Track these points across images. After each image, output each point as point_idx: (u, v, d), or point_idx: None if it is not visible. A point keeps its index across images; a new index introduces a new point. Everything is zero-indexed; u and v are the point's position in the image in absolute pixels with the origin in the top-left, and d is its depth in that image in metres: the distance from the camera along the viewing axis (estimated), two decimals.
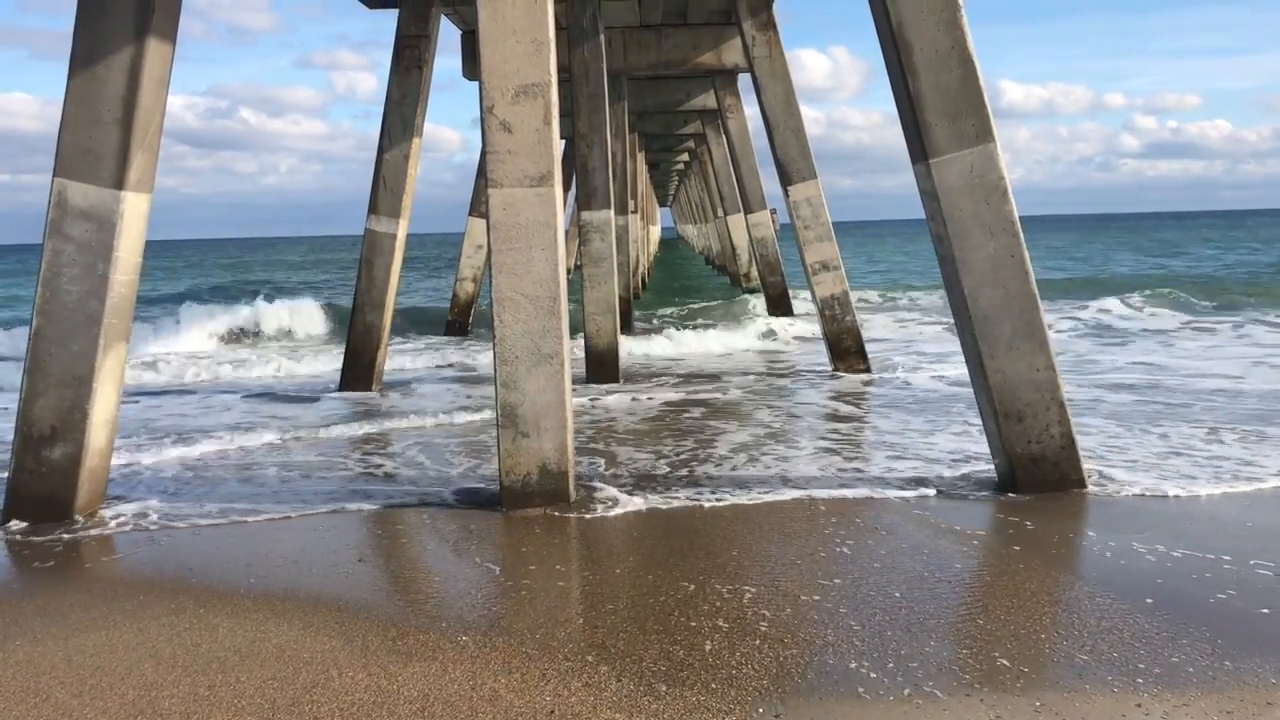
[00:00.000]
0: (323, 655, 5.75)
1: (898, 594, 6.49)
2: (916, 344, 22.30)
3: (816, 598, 6.49)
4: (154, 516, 9.05)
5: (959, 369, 15.88)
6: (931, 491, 9.19)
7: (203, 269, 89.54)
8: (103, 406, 9.25)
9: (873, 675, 5.26)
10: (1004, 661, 5.38)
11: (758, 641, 5.76)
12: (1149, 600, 6.21)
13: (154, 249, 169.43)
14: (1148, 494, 8.90)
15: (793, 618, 6.13)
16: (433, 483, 10.10)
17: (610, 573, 7.14)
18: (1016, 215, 9.03)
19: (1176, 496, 8.84)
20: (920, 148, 9.12)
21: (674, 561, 7.31)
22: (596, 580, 7.00)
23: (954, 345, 18.30)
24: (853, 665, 5.40)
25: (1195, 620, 5.90)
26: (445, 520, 8.73)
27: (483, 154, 8.88)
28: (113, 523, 8.87)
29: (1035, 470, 9.07)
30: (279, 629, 6.21)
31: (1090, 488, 8.99)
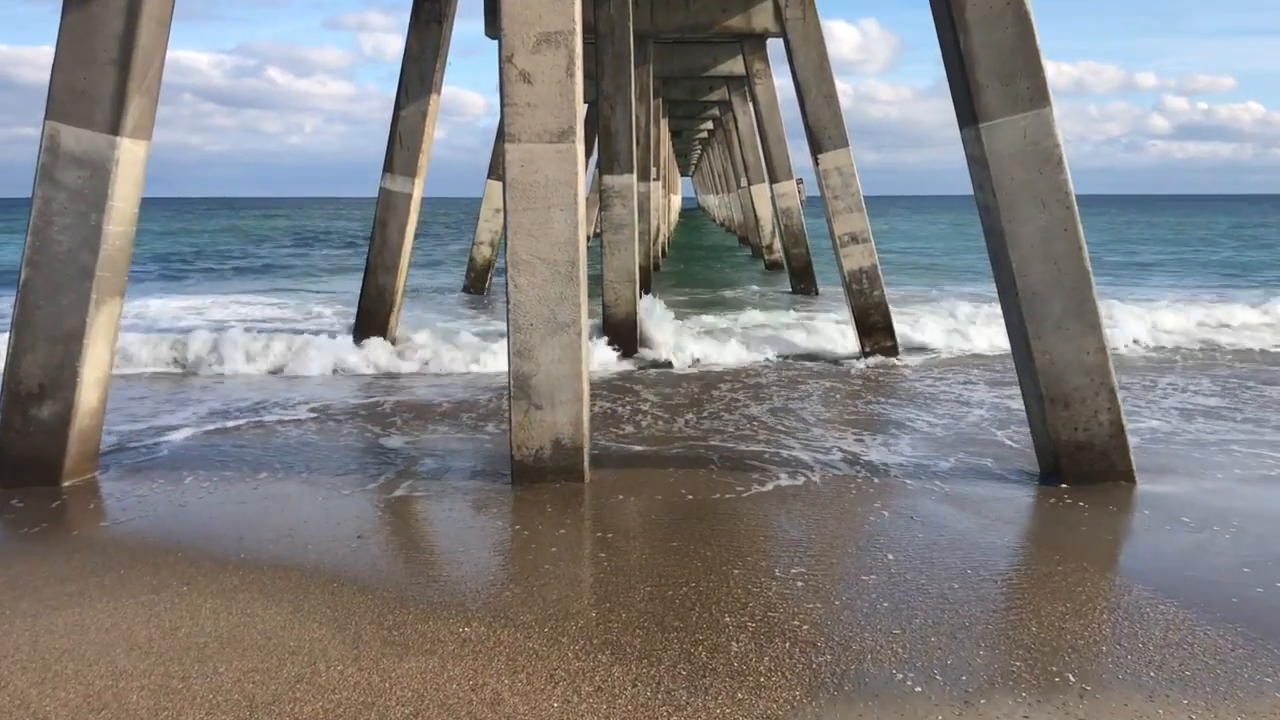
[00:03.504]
0: (311, 645, 5.25)
1: (939, 592, 5.95)
2: (946, 324, 21.58)
3: (850, 594, 5.95)
4: (146, 483, 8.58)
5: (992, 351, 15.28)
6: (969, 479, 8.63)
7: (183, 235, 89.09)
8: (95, 364, 8.75)
9: (918, 689, 4.72)
10: (1065, 677, 4.83)
11: (787, 644, 5.23)
12: (1218, 612, 5.64)
13: (166, 206, 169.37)
14: (1205, 490, 8.29)
15: (825, 617, 5.59)
16: (442, 454, 9.59)
17: (626, 559, 6.62)
18: (1071, 186, 8.41)
19: (1236, 492, 8.25)
20: (970, 110, 8.50)
21: (694, 549, 6.78)
22: (611, 567, 6.48)
23: (983, 327, 17.70)
24: (896, 675, 4.86)
25: (1275, 635, 5.33)
26: (452, 494, 8.22)
27: (502, 116, 8.32)
28: (102, 489, 8.41)
29: (1081, 459, 8.49)
30: (266, 612, 5.71)
31: (1140, 481, 8.39)
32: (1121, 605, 5.76)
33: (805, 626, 5.45)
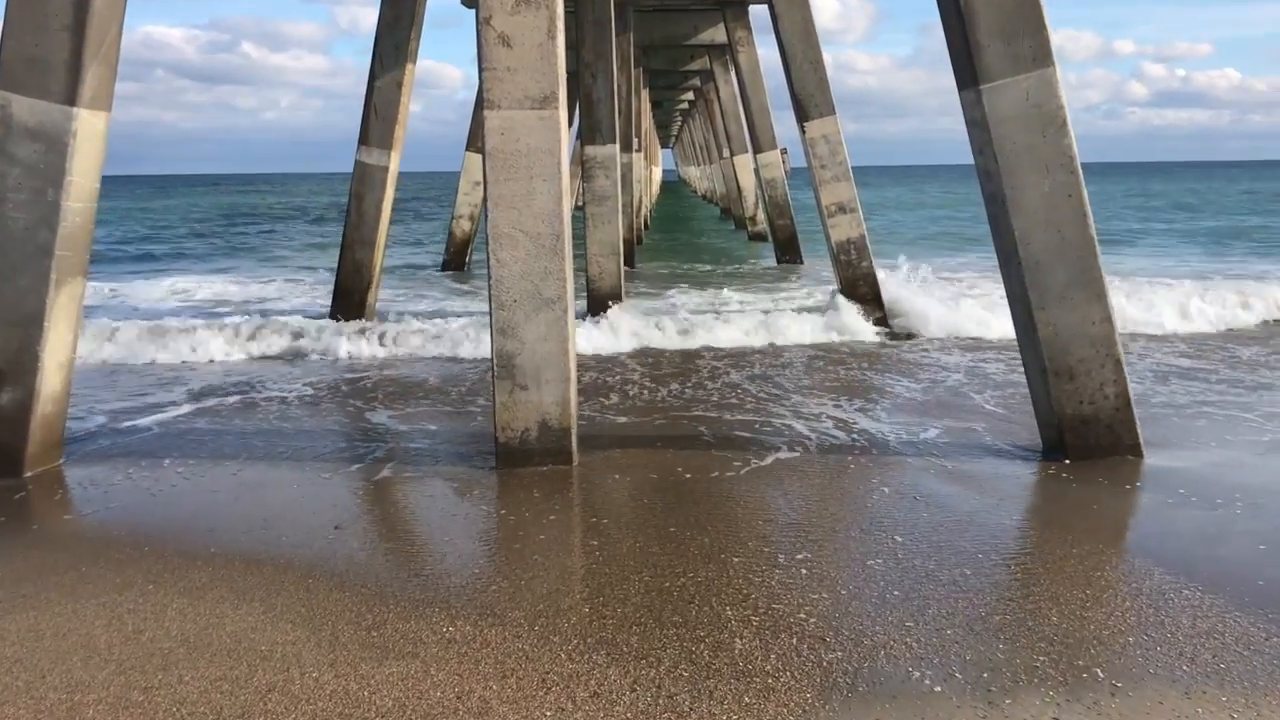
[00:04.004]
0: (284, 649, 4.89)
1: (951, 579, 5.63)
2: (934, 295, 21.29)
3: (858, 582, 5.62)
4: (114, 472, 8.18)
5: (985, 324, 14.96)
6: (972, 454, 8.32)
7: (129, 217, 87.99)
8: (56, 347, 8.33)
9: (938, 689, 4.40)
10: (1093, 672, 4.52)
11: (794, 640, 4.89)
12: (1246, 596, 5.34)
13: (141, 184, 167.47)
14: (1216, 464, 8.00)
15: (833, 608, 5.26)
16: (424, 436, 9.22)
17: (619, 547, 6.27)
18: (1075, 150, 8.07)
19: (1246, 464, 7.97)
20: (970, 72, 8.13)
21: (691, 535, 6.44)
22: (604, 556, 6.12)
23: (978, 298, 17.39)
24: (913, 673, 4.54)
25: None
26: (434, 479, 7.85)
27: (480, 82, 7.90)
28: (67, 479, 8.01)
29: (1086, 434, 8.19)
30: (236, 613, 5.34)
31: (1147, 455, 8.09)
32: (1144, 591, 5.45)
33: (812, 620, 5.12)
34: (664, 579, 5.70)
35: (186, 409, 10.45)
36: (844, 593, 5.48)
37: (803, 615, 5.17)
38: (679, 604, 5.34)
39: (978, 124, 8.22)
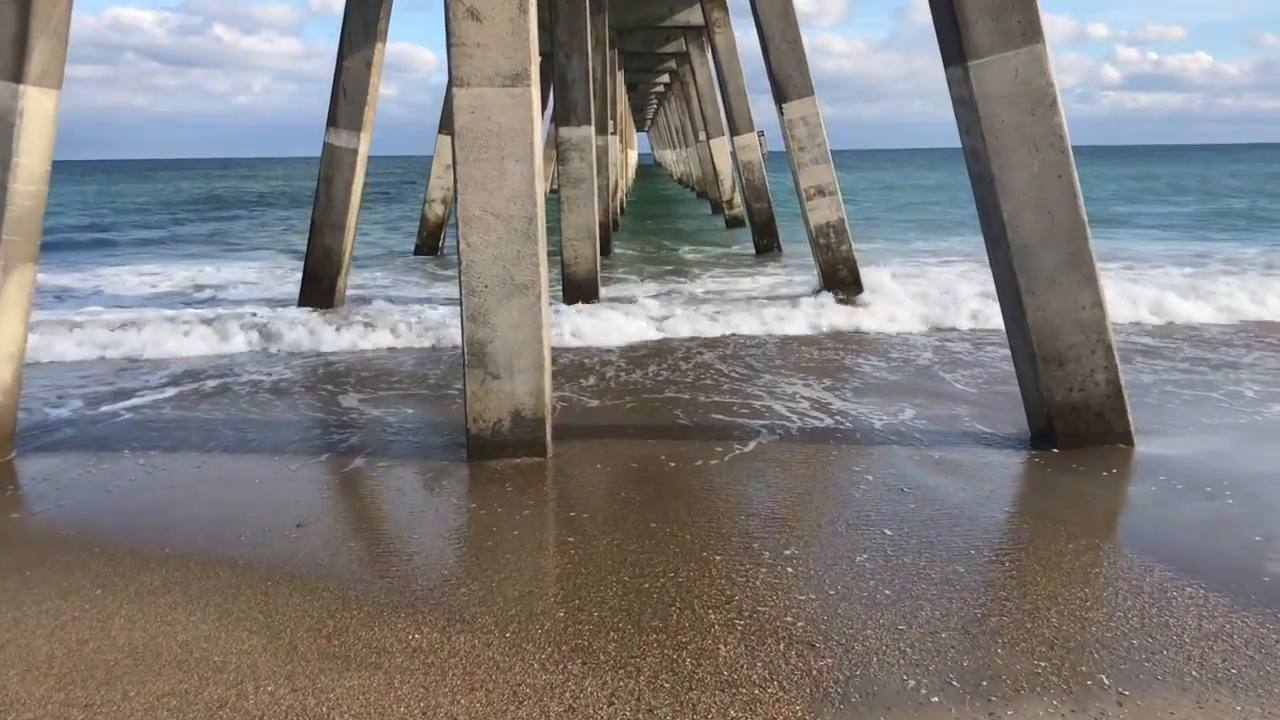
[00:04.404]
0: (239, 659, 4.58)
1: (943, 577, 5.37)
2: (911, 279, 21.11)
3: (846, 582, 5.35)
4: (69, 467, 7.82)
5: (966, 307, 14.71)
6: (958, 443, 8.08)
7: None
8: (6, 338, 7.96)
9: (935, 699, 4.13)
10: (1099, 679, 4.26)
11: (782, 645, 4.62)
12: (1251, 594, 5.11)
13: (110, 168, 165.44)
14: (1207, 452, 7.78)
15: (821, 611, 4.99)
16: (393, 427, 8.90)
17: (596, 545, 5.97)
18: (1066, 130, 7.81)
19: (1238, 453, 7.76)
20: (957, 48, 7.85)
21: (671, 530, 6.16)
22: (580, 555, 5.83)
23: (955, 283, 17.17)
24: (908, 682, 4.27)
25: None
26: (403, 473, 7.54)
27: (449, 58, 7.55)
28: (19, 474, 7.64)
29: (1076, 422, 7.96)
30: (189, 619, 5.03)
31: (1138, 444, 7.87)
32: (1145, 589, 5.20)
33: (800, 623, 4.85)
34: (643, 579, 5.42)
35: (149, 399, 10.08)
36: (832, 593, 5.21)
37: (790, 618, 4.90)
38: (659, 607, 5.06)
39: (965, 102, 7.95)
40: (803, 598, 5.14)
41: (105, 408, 9.72)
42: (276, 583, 5.47)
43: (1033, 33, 7.72)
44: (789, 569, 5.52)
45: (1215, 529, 6.10)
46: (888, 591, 5.21)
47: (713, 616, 4.93)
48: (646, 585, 5.33)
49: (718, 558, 5.70)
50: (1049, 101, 7.74)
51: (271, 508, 6.79)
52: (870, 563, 5.61)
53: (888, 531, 6.08)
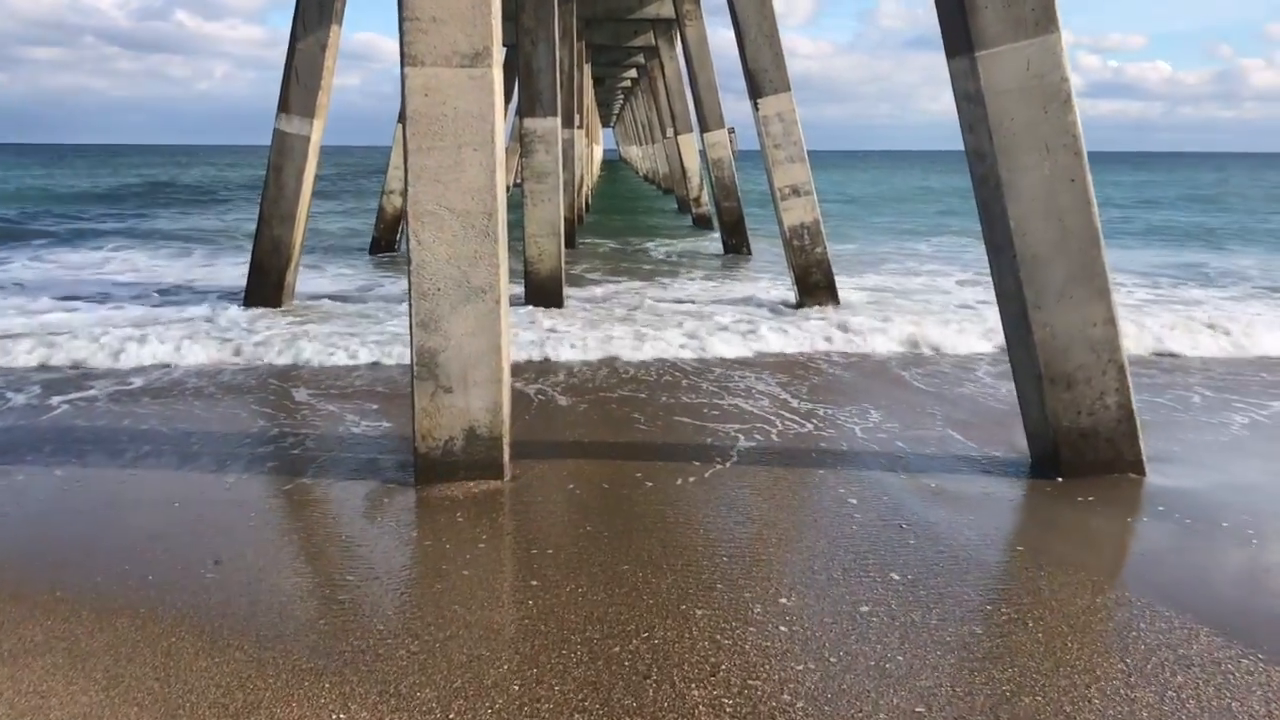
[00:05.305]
0: None
1: (960, 641, 4.64)
2: (881, 290, 20.48)
3: (849, 646, 4.60)
4: None
5: (944, 319, 14.06)
6: (953, 471, 7.38)
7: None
8: None
9: None
10: None
11: None
12: None
13: (64, 152, 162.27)
14: (1218, 484, 7.13)
15: (823, 687, 4.23)
16: (334, 442, 8.06)
17: (558, 593, 5.18)
18: (1080, 129, 7.12)
19: (1258, 488, 7.12)
20: (963, 37, 7.13)
21: (643, 575, 5.39)
22: (540, 608, 5.03)
23: (921, 283, 16.53)
24: None
25: None
26: (342, 498, 6.72)
27: (401, 34, 6.73)
28: None
29: (1084, 448, 7.28)
30: (69, 689, 4.19)
31: (1150, 474, 7.20)
32: (1194, 660, 4.49)
33: (800, 703, 4.09)
34: (613, 640, 4.64)
35: (62, 408, 9.15)
36: (834, 660, 4.46)
37: (787, 696, 4.15)
38: (631, 679, 4.28)
39: (971, 97, 7.24)
40: (800, 667, 4.39)
41: (8, 416, 8.80)
42: (181, 639, 4.64)
43: (1047, 21, 7.02)
44: (782, 628, 4.76)
45: (1254, 579, 5.42)
46: (900, 658, 4.47)
47: (696, 694, 4.16)
48: (617, 649, 4.55)
49: (699, 612, 4.94)
50: (1063, 98, 7.05)
51: (188, 539, 5.95)
52: (874, 618, 4.87)
53: (894, 576, 5.35)
